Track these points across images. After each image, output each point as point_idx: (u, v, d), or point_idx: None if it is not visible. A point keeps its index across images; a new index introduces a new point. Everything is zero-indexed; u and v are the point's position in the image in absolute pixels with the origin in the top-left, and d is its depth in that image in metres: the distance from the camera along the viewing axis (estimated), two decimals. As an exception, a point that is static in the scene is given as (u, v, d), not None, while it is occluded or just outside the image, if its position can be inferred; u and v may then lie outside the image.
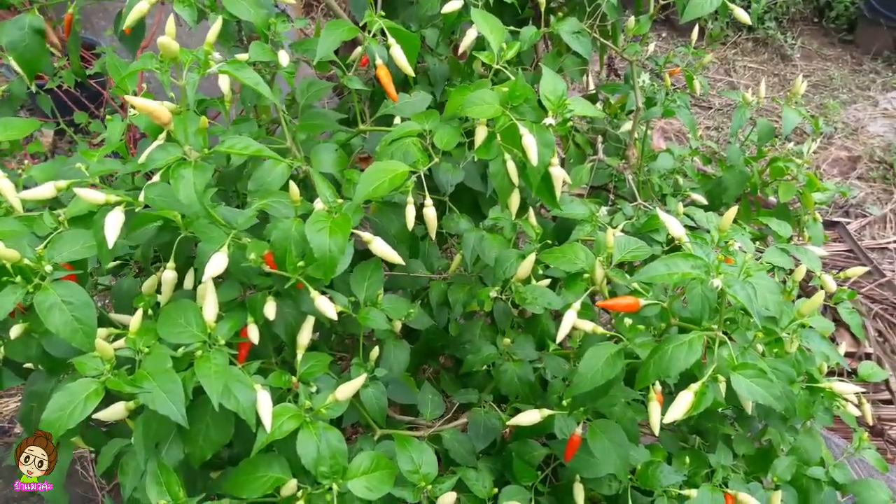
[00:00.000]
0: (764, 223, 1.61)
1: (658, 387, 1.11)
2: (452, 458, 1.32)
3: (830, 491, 1.41)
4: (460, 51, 1.50)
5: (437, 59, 1.69)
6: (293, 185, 1.11)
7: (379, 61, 1.30)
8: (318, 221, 1.05)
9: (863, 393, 1.45)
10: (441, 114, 1.26)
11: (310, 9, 3.94)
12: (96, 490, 2.20)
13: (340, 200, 1.11)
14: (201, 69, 1.02)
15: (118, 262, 1.43)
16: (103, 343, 0.97)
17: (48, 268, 1.00)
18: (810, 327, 1.23)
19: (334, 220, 1.06)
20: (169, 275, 1.13)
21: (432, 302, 1.48)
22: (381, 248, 1.14)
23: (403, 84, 1.47)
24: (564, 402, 1.23)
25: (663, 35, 4.91)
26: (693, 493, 1.22)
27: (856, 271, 1.51)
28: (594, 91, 2.08)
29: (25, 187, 1.15)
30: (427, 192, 1.24)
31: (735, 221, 1.38)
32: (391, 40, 1.30)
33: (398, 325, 1.39)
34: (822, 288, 1.45)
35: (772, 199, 1.91)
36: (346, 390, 1.12)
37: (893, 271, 3.29)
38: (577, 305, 1.19)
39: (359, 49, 1.38)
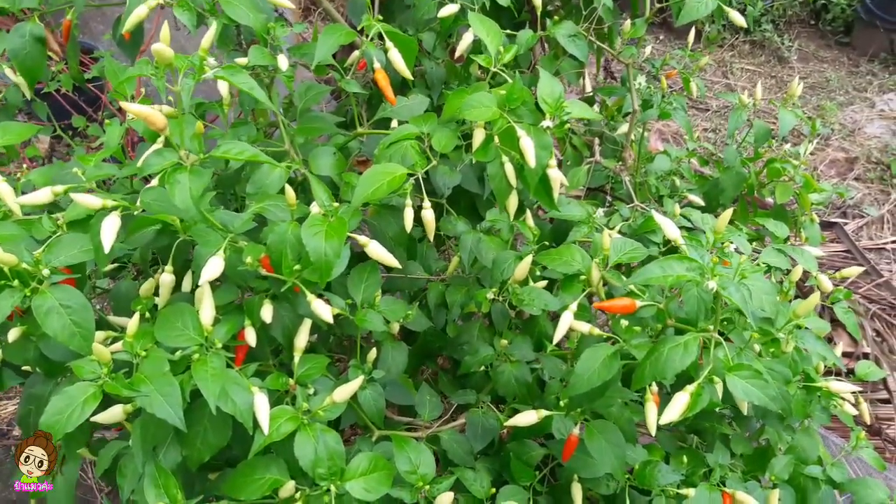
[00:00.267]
0: (761, 224, 1.61)
1: (654, 388, 1.11)
2: (450, 459, 1.32)
3: (828, 489, 1.41)
4: (457, 54, 1.51)
5: (434, 62, 1.70)
6: (289, 189, 1.11)
7: (377, 65, 1.31)
8: (314, 225, 1.05)
9: (860, 392, 1.45)
10: (439, 117, 1.26)
11: (308, 13, 3.95)
12: (95, 492, 2.21)
13: (336, 204, 1.11)
14: (196, 74, 1.02)
15: (116, 264, 1.43)
16: (100, 347, 0.97)
17: (46, 271, 1.00)
18: (806, 328, 1.24)
19: (330, 223, 1.06)
20: (166, 278, 1.13)
21: (430, 303, 1.48)
22: (377, 251, 1.15)
23: (401, 87, 1.47)
24: (562, 403, 1.23)
25: (660, 38, 4.92)
26: (691, 492, 1.22)
27: (852, 271, 1.51)
28: (591, 93, 2.09)
29: (23, 192, 1.16)
30: (425, 195, 1.24)
31: (732, 222, 1.39)
32: (389, 44, 1.31)
33: (396, 327, 1.39)
34: (818, 288, 1.46)
35: (769, 200, 1.91)
36: (343, 392, 1.12)
37: (891, 271, 3.30)
38: (573, 307, 1.19)
39: (356, 53, 1.38)
